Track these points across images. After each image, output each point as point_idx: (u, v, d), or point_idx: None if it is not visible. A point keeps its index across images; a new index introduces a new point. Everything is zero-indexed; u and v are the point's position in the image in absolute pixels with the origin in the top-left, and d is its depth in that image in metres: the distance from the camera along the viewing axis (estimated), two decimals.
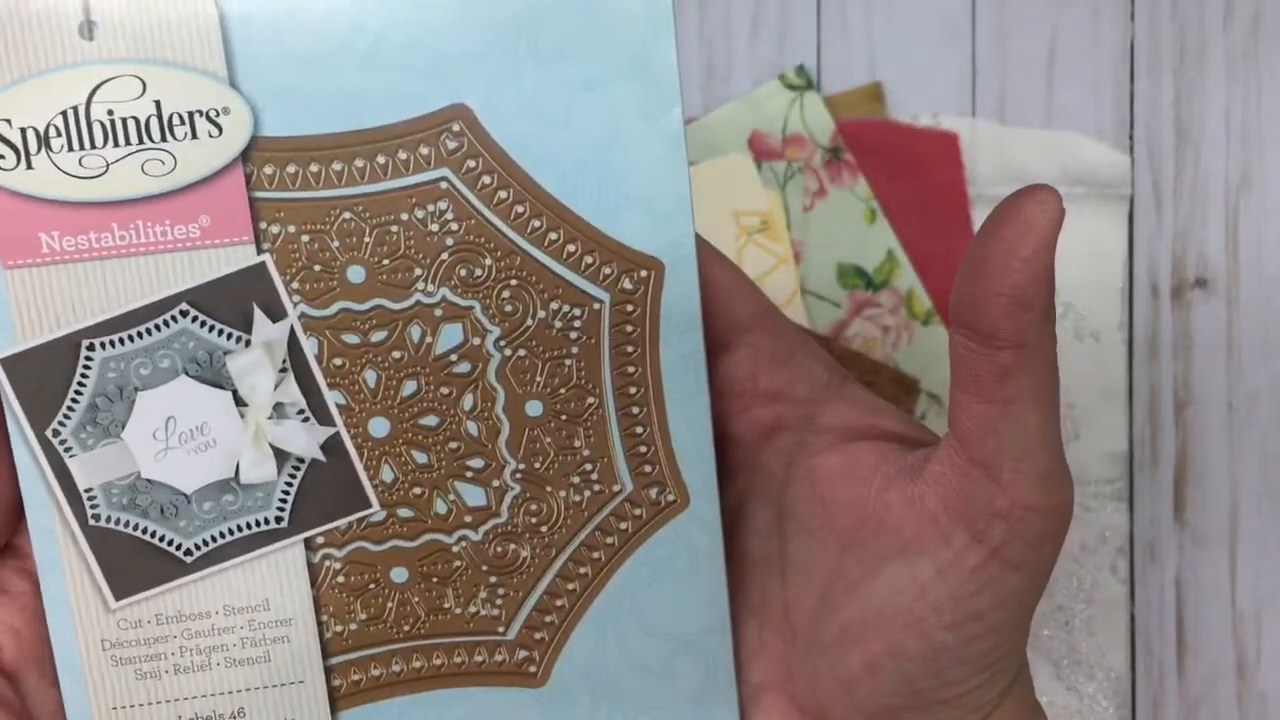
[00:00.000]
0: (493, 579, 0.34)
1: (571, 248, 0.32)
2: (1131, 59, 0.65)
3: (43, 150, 0.31)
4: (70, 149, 0.31)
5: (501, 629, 0.34)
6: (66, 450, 0.32)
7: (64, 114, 0.30)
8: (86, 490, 0.32)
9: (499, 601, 0.34)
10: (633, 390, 0.33)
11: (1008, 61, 0.65)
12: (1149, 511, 0.64)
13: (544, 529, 0.34)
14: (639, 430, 0.33)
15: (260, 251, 0.31)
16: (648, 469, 0.34)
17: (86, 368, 0.32)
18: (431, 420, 0.33)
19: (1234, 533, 0.64)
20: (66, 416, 0.32)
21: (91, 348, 0.32)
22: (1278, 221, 0.64)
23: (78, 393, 0.32)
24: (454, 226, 0.32)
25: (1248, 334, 0.64)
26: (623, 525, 0.34)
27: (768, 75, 0.66)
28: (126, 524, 0.33)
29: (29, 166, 0.31)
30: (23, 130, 0.30)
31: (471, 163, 0.32)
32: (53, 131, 0.31)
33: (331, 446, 0.32)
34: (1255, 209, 0.64)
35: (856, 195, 0.66)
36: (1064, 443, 0.63)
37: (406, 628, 0.34)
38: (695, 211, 0.32)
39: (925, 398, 0.65)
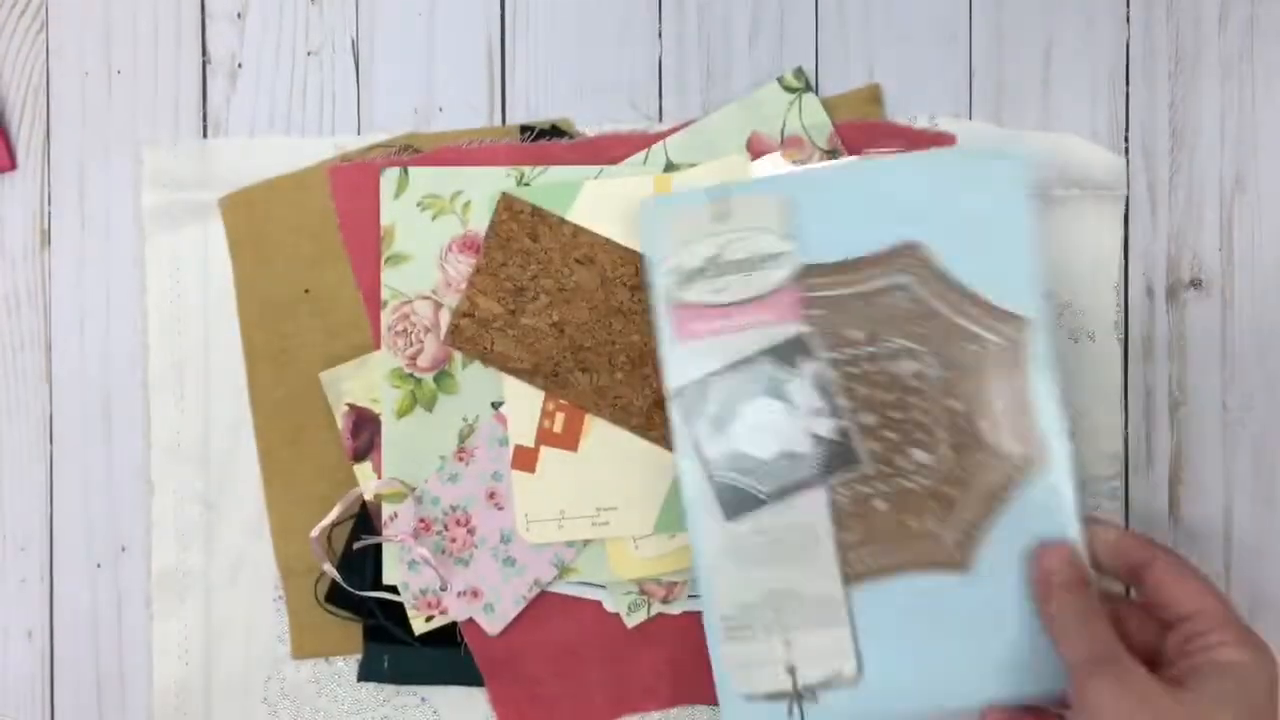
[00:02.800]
0: (935, 507, 0.58)
1: (977, 313, 0.58)
2: (1127, 62, 0.66)
3: (694, 281, 0.59)
4: (709, 278, 0.59)
5: (942, 537, 0.58)
6: (702, 438, 0.59)
7: (706, 261, 0.59)
8: (712, 459, 0.59)
9: (940, 521, 0.58)
10: (1014, 393, 0.58)
11: (1004, 64, 0.66)
12: (1144, 510, 0.65)
13: (964, 478, 0.58)
14: (1019, 418, 0.58)
15: (804, 325, 0.59)
16: (1025, 439, 0.58)
17: (714, 392, 0.59)
18: (898, 414, 0.58)
19: (1228, 531, 0.65)
20: (702, 419, 0.59)
21: (718, 382, 0.59)
22: (1272, 223, 0.65)
23: (709, 406, 0.59)
24: (909, 306, 0.59)
25: (1242, 335, 0.65)
26: (1012, 474, 0.58)
27: (767, 77, 0.66)
28: (732, 478, 0.59)
29: (688, 289, 0.60)
30: (685, 270, 0.60)
31: (919, 270, 0.59)
32: (700, 270, 0.59)
33: (841, 431, 0.59)
34: (1249, 211, 0.65)
35: None
36: None
37: (885, 537, 0.58)
38: None
39: None
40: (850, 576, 0.58)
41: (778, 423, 0.58)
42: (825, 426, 0.58)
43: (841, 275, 0.59)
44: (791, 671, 0.58)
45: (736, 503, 0.59)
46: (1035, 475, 0.57)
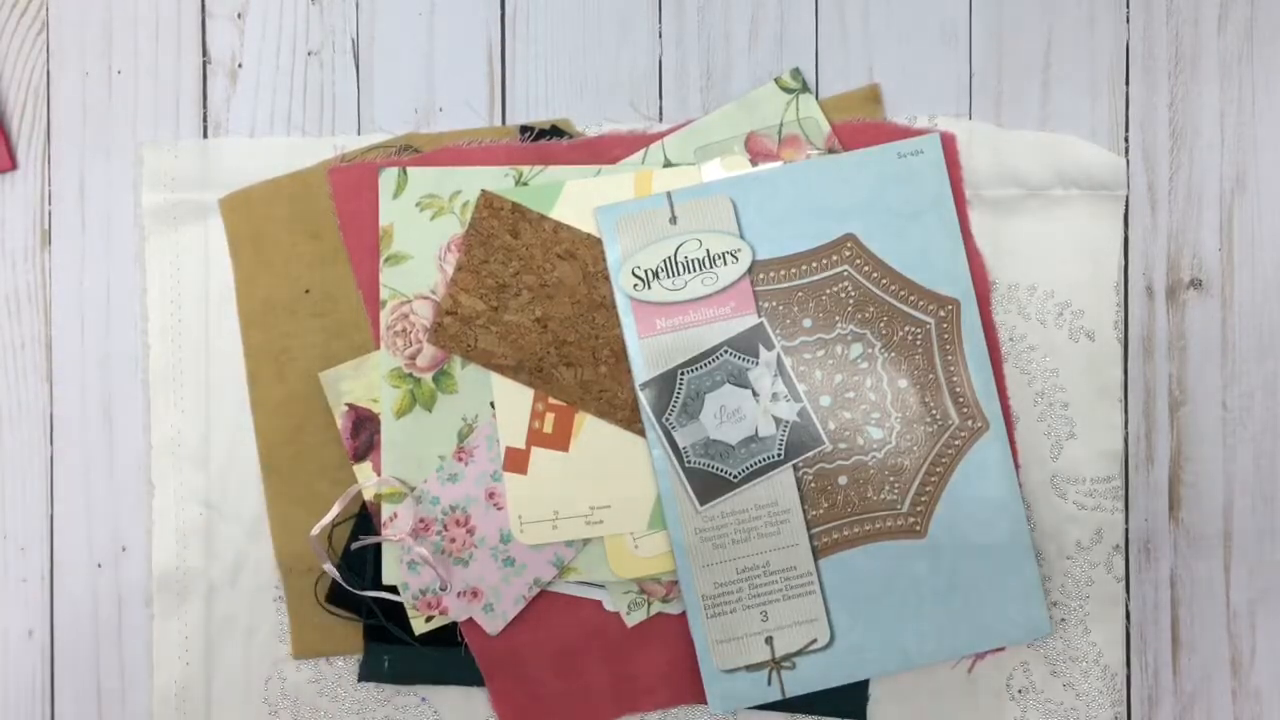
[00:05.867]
0: (891, 478, 0.64)
1: (913, 298, 0.64)
2: (1127, 62, 0.66)
3: (655, 280, 0.64)
4: (668, 277, 0.64)
5: (899, 506, 0.64)
6: (672, 428, 0.64)
7: (664, 261, 0.64)
8: (683, 447, 0.64)
9: (896, 490, 0.64)
10: (952, 368, 0.64)
11: (1004, 64, 0.66)
12: (1144, 510, 0.65)
13: (915, 449, 0.64)
14: (957, 390, 0.64)
15: (759, 317, 0.64)
16: (965, 409, 0.64)
17: (680, 384, 0.64)
18: (851, 395, 0.64)
19: (1228, 531, 0.65)
20: (671, 410, 0.64)
21: (684, 374, 0.64)
22: (1271, 223, 0.65)
23: (677, 397, 0.64)
24: (852, 293, 0.64)
25: (1242, 334, 0.65)
26: (956, 441, 0.64)
27: (766, 77, 0.66)
28: (703, 464, 0.64)
29: (649, 288, 0.64)
30: (645, 270, 0.64)
31: (859, 260, 0.64)
32: (659, 270, 0.64)
33: (801, 413, 0.64)
34: (1249, 210, 0.65)
35: None
36: (1060, 441, 0.64)
37: (849, 510, 0.64)
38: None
39: None
40: (819, 549, 0.63)
41: (742, 409, 0.63)
42: (786, 410, 0.63)
43: (789, 266, 0.64)
44: (769, 641, 0.63)
45: (708, 488, 0.63)
46: (976, 441, 0.63)
